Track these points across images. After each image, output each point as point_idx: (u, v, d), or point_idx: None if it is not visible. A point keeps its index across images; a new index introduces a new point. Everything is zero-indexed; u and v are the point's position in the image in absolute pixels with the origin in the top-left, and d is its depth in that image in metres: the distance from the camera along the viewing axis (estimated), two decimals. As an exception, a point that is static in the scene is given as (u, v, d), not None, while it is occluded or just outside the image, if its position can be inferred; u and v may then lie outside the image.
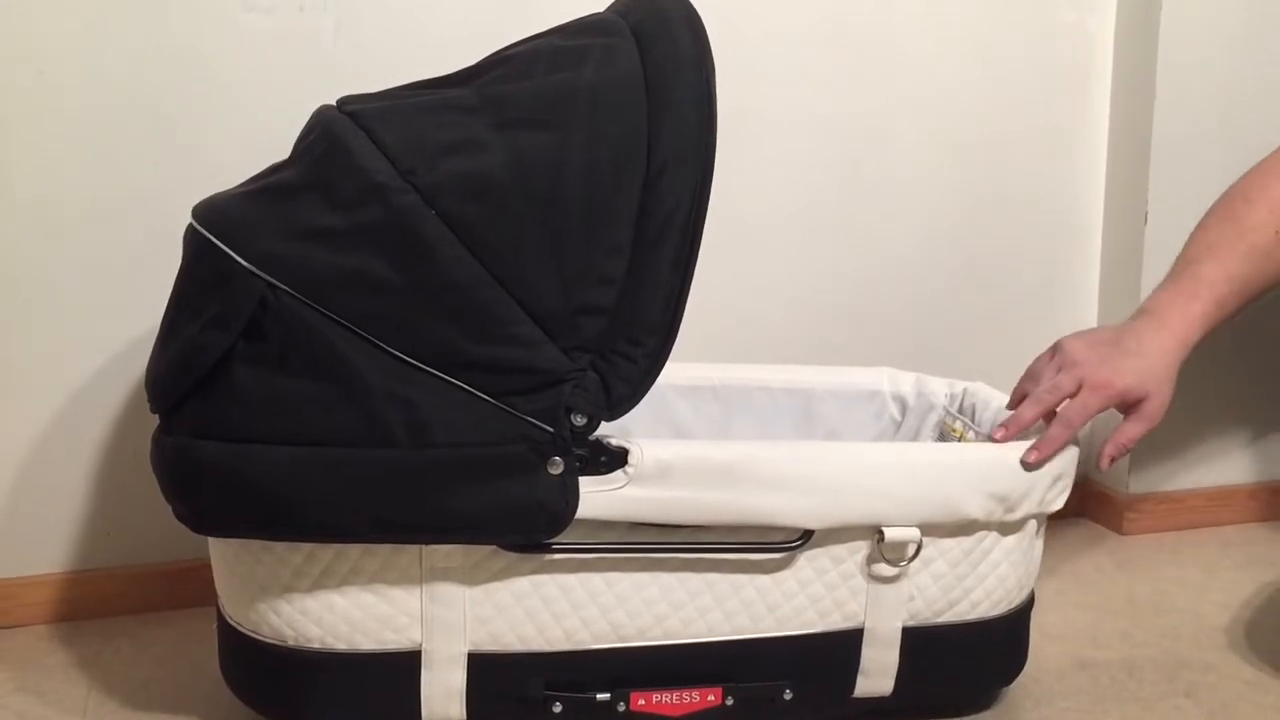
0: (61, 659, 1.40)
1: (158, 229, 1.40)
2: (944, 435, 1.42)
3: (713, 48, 1.07)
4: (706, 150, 1.05)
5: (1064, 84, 1.81)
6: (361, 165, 1.03)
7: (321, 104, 1.14)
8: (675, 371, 1.30)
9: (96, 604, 1.51)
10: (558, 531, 1.07)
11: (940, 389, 1.45)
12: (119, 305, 1.47)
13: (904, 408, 1.47)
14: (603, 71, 1.06)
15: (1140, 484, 1.83)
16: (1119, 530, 1.83)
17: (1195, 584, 1.64)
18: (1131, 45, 1.78)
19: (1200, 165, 1.76)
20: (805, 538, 1.13)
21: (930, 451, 1.20)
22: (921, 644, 1.19)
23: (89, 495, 1.51)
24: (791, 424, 1.47)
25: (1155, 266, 1.76)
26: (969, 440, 1.37)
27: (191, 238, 1.08)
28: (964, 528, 1.17)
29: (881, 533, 1.14)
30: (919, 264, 1.77)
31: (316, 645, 1.10)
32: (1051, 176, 1.82)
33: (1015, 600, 1.23)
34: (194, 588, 1.43)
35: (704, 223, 1.06)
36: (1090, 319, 1.87)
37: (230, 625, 1.15)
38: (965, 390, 1.43)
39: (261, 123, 1.46)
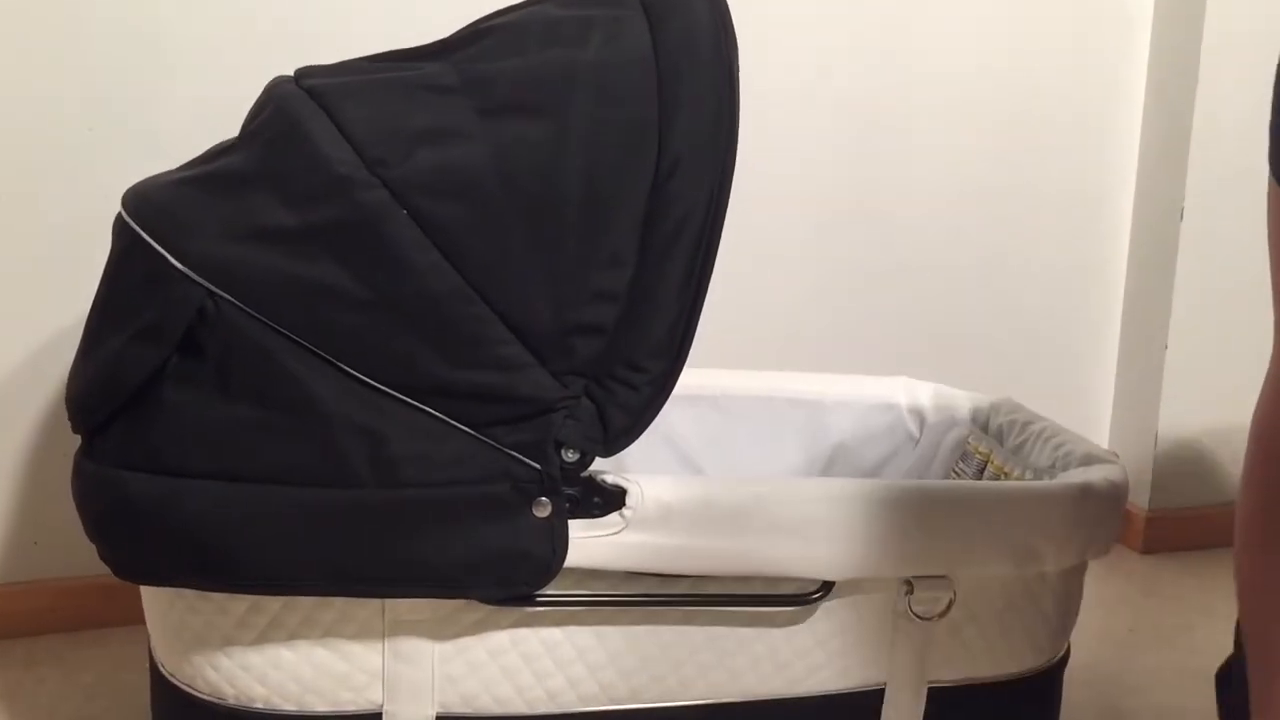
0: (-23, 689, 1.26)
1: (91, 208, 1.28)
2: (967, 456, 1.30)
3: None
4: (726, 146, 0.91)
5: (1096, 65, 1.69)
6: (322, 153, 0.89)
7: (277, 75, 0.99)
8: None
9: (21, 621, 1.39)
10: (544, 583, 0.94)
11: (963, 403, 1.33)
12: (46, 294, 1.35)
13: (922, 423, 1.34)
14: (607, 49, 0.92)
15: (1161, 499, 1.72)
16: (1138, 549, 1.71)
17: (1226, 615, 1.51)
18: (1172, 24, 1.64)
19: (1245, 157, 1.61)
20: (824, 590, 1.00)
21: (966, 493, 1.07)
22: (949, 705, 1.07)
23: (13, 501, 1.39)
24: (798, 437, 1.36)
25: (1190, 268, 1.65)
26: (996, 463, 1.25)
27: (120, 231, 0.93)
28: (1001, 577, 1.04)
29: (911, 584, 1.01)
30: (936, 260, 1.67)
31: (260, 705, 0.97)
32: (1079, 167, 1.71)
33: (1052, 654, 1.11)
34: (131, 602, 1.28)
35: (720, 232, 0.92)
36: (1114, 324, 1.75)
37: (163, 675, 1.01)
38: (991, 406, 1.30)
39: (209, 89, 1.34)
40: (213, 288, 0.88)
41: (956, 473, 1.30)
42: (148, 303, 0.89)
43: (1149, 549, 1.70)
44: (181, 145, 1.03)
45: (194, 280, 0.88)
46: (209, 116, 1.10)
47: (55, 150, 1.32)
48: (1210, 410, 1.70)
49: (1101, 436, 1.77)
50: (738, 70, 0.92)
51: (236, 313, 0.88)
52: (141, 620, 1.12)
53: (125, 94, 1.33)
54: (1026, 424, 1.24)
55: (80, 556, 1.37)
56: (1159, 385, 1.68)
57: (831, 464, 1.36)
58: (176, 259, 0.88)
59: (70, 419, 0.96)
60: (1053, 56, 1.66)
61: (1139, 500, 1.72)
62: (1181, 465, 1.71)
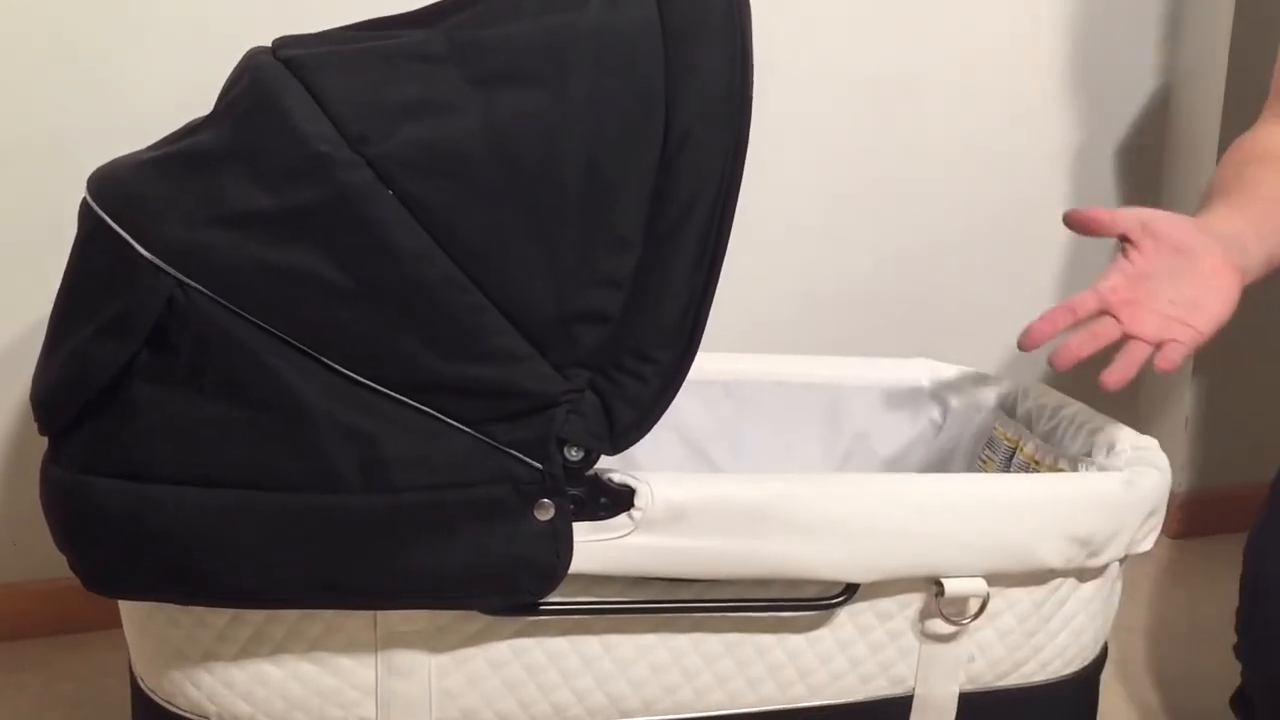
0: (-45, 698, 1.20)
1: (66, 193, 1.17)
2: (994, 443, 1.23)
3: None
4: (739, 119, 0.84)
5: (1119, 31, 1.61)
6: (299, 130, 0.81)
7: (255, 45, 0.91)
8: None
9: (2, 625, 1.33)
10: (547, 591, 0.87)
11: (989, 387, 1.26)
12: (21, 284, 1.27)
13: (946, 409, 1.27)
14: (608, 14, 0.85)
15: (1193, 479, 1.65)
16: (1168, 533, 1.64)
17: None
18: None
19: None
20: (848, 592, 0.93)
21: (1000, 486, 1.00)
22: (981, 711, 1.01)
23: (-9, 500, 1.33)
24: (814, 424, 1.29)
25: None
26: (1026, 451, 1.18)
27: (85, 215, 0.86)
28: (1038, 576, 0.97)
29: (940, 585, 0.95)
30: (957, 241, 1.59)
31: (245, 724, 0.90)
32: (1107, 139, 1.63)
33: (1089, 656, 1.04)
34: (114, 606, 1.22)
35: (734, 210, 0.85)
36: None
37: (143, 690, 0.95)
38: (1019, 389, 1.23)
39: (192, 60, 1.26)
40: (181, 276, 0.80)
41: (983, 460, 1.23)
42: (114, 293, 0.82)
43: (1181, 534, 1.64)
44: (164, 126, 0.95)
45: (162, 269, 0.80)
46: (193, 95, 1.03)
47: (28, 132, 1.25)
48: (1238, 378, 1.64)
49: (1131, 416, 1.71)
50: (751, 37, 0.84)
51: (208, 303, 0.80)
52: (127, 623, 1.07)
53: (103, 72, 1.26)
54: (1057, 408, 1.17)
55: (61, 559, 1.31)
56: (1188, 364, 1.62)
57: (850, 452, 1.29)
58: (142, 245, 0.80)
59: (36, 420, 0.89)
60: (1074, 24, 1.58)
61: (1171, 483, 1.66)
62: (1215, 446, 1.65)
